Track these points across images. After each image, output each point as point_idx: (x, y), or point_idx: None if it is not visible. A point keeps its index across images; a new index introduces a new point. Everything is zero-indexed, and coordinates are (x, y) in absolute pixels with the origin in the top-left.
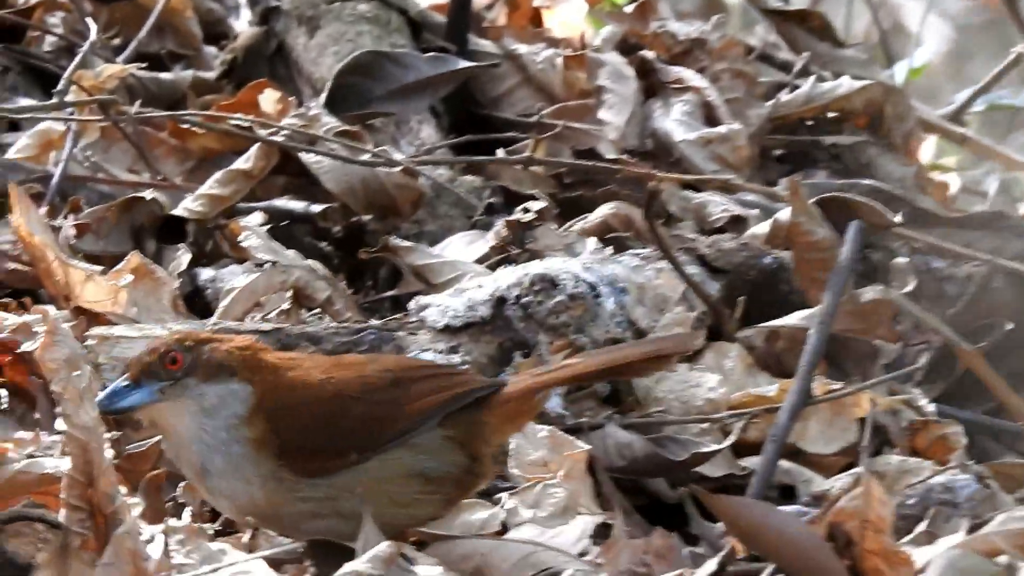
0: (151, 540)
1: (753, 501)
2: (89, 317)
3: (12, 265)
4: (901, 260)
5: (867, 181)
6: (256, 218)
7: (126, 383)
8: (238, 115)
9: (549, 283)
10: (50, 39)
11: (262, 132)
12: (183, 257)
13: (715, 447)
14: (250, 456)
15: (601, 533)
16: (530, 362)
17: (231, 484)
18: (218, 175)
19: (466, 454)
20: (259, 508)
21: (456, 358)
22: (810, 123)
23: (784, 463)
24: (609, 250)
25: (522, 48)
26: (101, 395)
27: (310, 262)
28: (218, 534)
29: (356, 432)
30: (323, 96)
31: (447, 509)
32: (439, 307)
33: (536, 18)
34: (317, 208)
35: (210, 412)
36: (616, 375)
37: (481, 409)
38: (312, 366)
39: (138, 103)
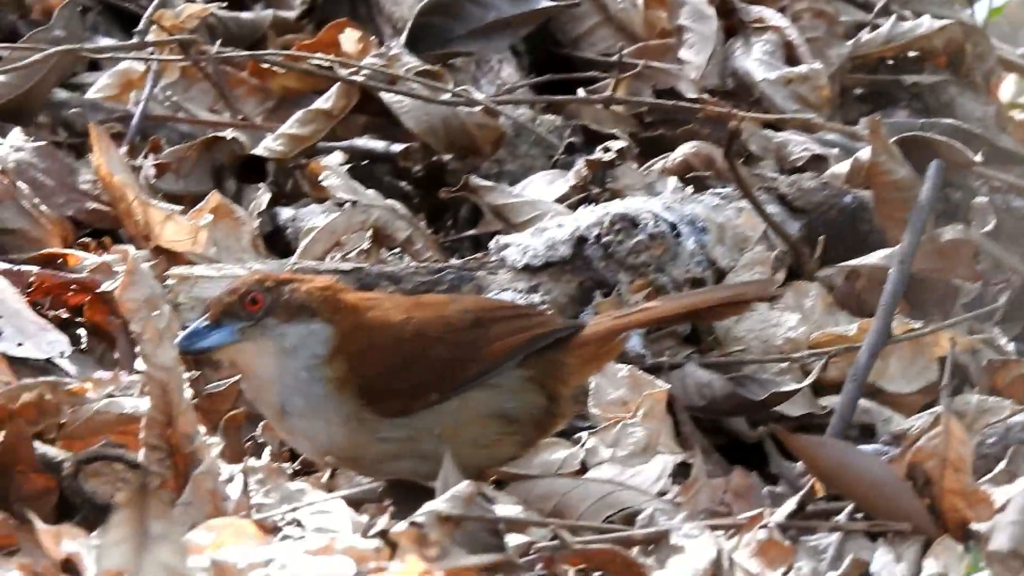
0: (230, 480)
1: (833, 440)
2: (169, 257)
3: (92, 205)
4: (981, 199)
5: (947, 120)
6: (336, 158)
7: (206, 323)
8: (319, 55)
9: (629, 222)
10: None
11: (343, 72)
12: (263, 197)
13: (795, 386)
14: (331, 397)
15: (680, 472)
16: (610, 302)
17: (311, 424)
18: (298, 115)
19: (545, 394)
20: (339, 448)
21: (536, 297)
22: (890, 62)
23: (864, 402)
24: (689, 189)
25: None
26: (181, 335)
27: (390, 202)
28: (297, 474)
29: (436, 372)
30: (403, 35)
31: (526, 449)
32: (519, 246)
33: None
34: (397, 148)
35: (290, 352)
36: (695, 318)
37: (561, 350)
38: (392, 306)
39: (218, 43)
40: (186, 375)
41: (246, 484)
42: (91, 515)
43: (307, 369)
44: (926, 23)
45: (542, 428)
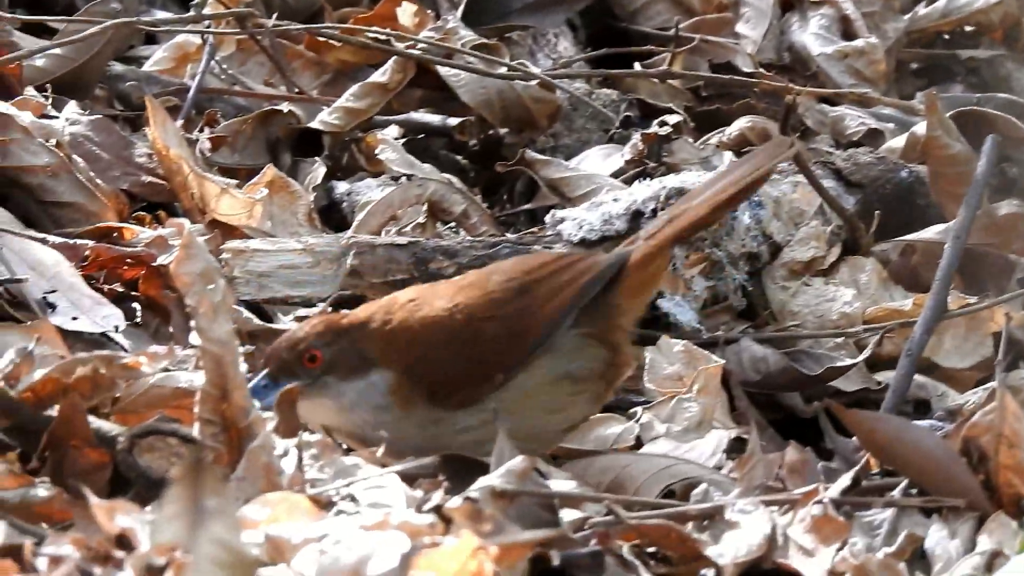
0: (284, 454)
1: (887, 416)
2: (224, 230)
3: (148, 178)
4: None
5: (1003, 95)
6: (392, 131)
7: (264, 382)
8: (375, 28)
9: None
10: None
11: (399, 45)
12: (319, 170)
13: (850, 361)
14: (401, 416)
15: (735, 448)
16: (665, 276)
17: (393, 444)
18: (354, 88)
19: (605, 347)
20: (426, 451)
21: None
22: (947, 37)
23: (919, 377)
24: None
25: None
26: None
27: (446, 175)
28: (351, 448)
29: (496, 352)
30: (460, 9)
31: (598, 405)
32: (575, 220)
33: None
34: (453, 121)
35: (350, 408)
36: (727, 208)
37: (609, 292)
38: (435, 296)
39: (275, 16)
40: (241, 349)
41: (300, 459)
42: (145, 490)
43: (371, 413)
44: None
45: (609, 381)
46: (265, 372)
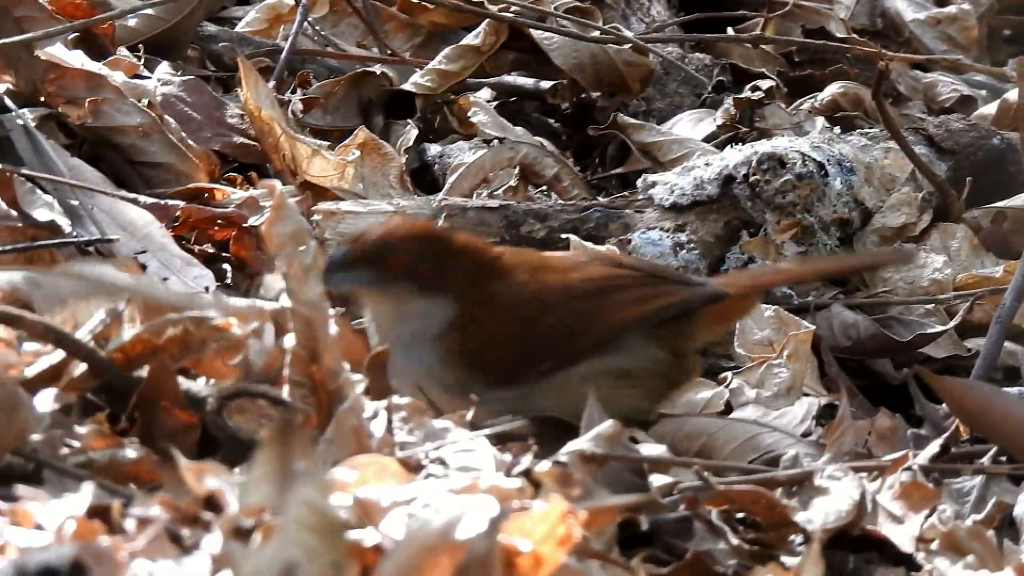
0: (374, 417)
1: (978, 383)
2: (315, 192)
3: (239, 139)
4: None
5: None
6: (485, 94)
7: (340, 259)
8: None
9: (777, 162)
10: None
11: (492, 8)
12: (410, 133)
13: (940, 328)
14: (438, 362)
15: (825, 414)
16: (756, 241)
17: (421, 381)
18: (447, 51)
19: (668, 350)
20: (443, 407)
21: (683, 236)
22: None
23: (1009, 344)
24: (837, 129)
25: None
26: (327, 273)
27: (538, 139)
28: (439, 412)
29: (549, 342)
30: None
31: (654, 402)
32: (667, 185)
33: None
34: (546, 85)
35: (408, 320)
36: (826, 278)
37: (687, 316)
38: (518, 264)
39: None
40: (331, 311)
41: (390, 421)
42: (234, 452)
43: (421, 336)
44: None
45: (670, 382)
46: (346, 251)
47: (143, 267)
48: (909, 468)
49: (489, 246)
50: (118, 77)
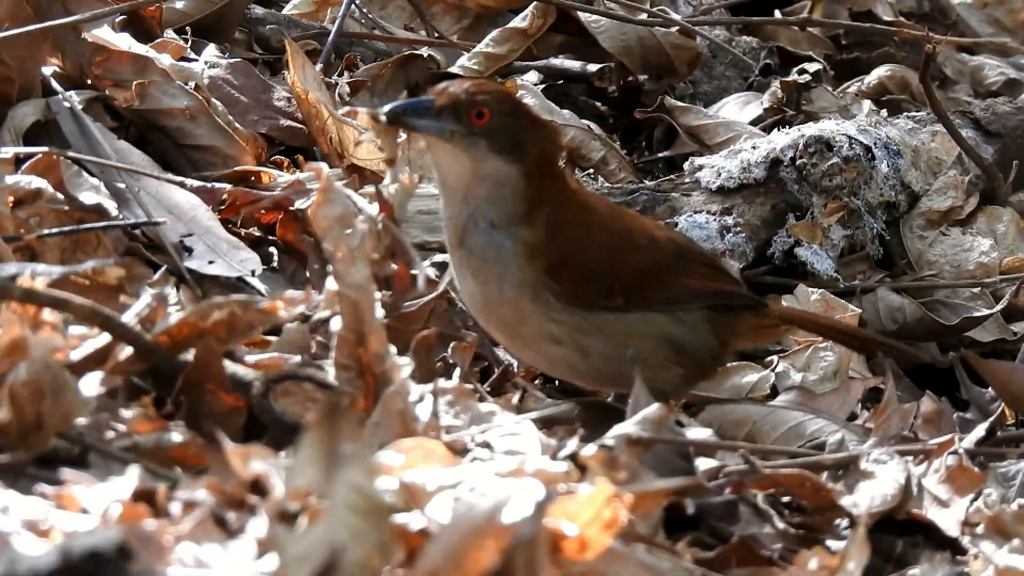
0: (420, 400)
1: (1023, 366)
2: (362, 175)
3: (286, 122)
4: None
5: None
6: (532, 77)
7: (427, 105)
8: None
9: (824, 145)
10: None
11: None
12: None
13: (986, 312)
14: (518, 258)
15: (871, 397)
16: (803, 224)
17: (486, 273)
18: (494, 33)
19: (718, 340)
20: (503, 312)
21: (729, 219)
22: None
23: None
24: (884, 112)
25: None
26: (400, 102)
27: (585, 122)
28: (487, 395)
29: (631, 279)
30: None
31: (686, 386)
32: (713, 168)
33: None
34: (593, 67)
35: (484, 179)
36: (851, 340)
37: (740, 313)
38: (600, 201)
39: None
40: (378, 295)
41: (436, 405)
42: (280, 435)
43: (494, 206)
44: None
45: (704, 369)
46: (433, 99)
47: (189, 250)
48: (955, 452)
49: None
50: (165, 60)
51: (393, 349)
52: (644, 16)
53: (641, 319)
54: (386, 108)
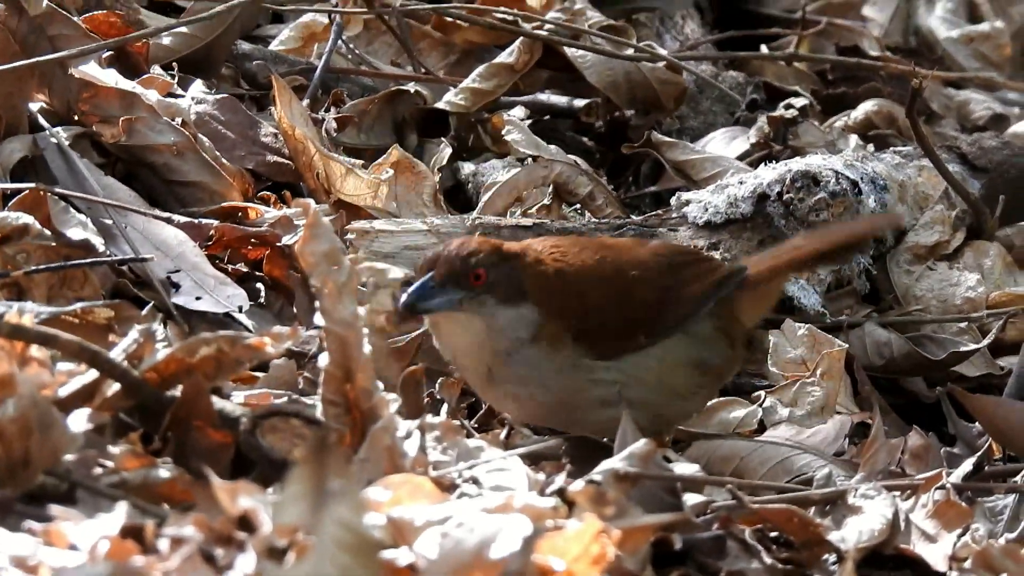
0: (408, 436)
1: (1011, 400)
2: (349, 211)
3: (273, 158)
4: None
5: None
6: (519, 112)
7: (432, 283)
8: (502, 8)
9: (811, 180)
10: None
11: (526, 26)
12: (444, 151)
13: (973, 346)
14: (545, 355)
15: (858, 432)
16: None
17: (525, 386)
18: (481, 69)
19: (729, 343)
20: (553, 400)
21: (716, 254)
22: None
23: None
24: (871, 147)
25: None
26: (409, 292)
27: (572, 157)
28: (475, 431)
29: (642, 313)
30: None
31: (705, 403)
32: (700, 203)
33: None
34: (580, 103)
35: (499, 332)
36: (843, 253)
37: (733, 296)
38: (581, 249)
39: None
40: (364, 330)
41: (423, 440)
42: (268, 471)
43: (517, 342)
44: None
45: (721, 379)
46: (431, 274)
47: (176, 286)
48: (942, 487)
49: (530, 242)
50: (152, 96)
51: (381, 385)
52: (631, 51)
53: (665, 351)
54: (401, 304)
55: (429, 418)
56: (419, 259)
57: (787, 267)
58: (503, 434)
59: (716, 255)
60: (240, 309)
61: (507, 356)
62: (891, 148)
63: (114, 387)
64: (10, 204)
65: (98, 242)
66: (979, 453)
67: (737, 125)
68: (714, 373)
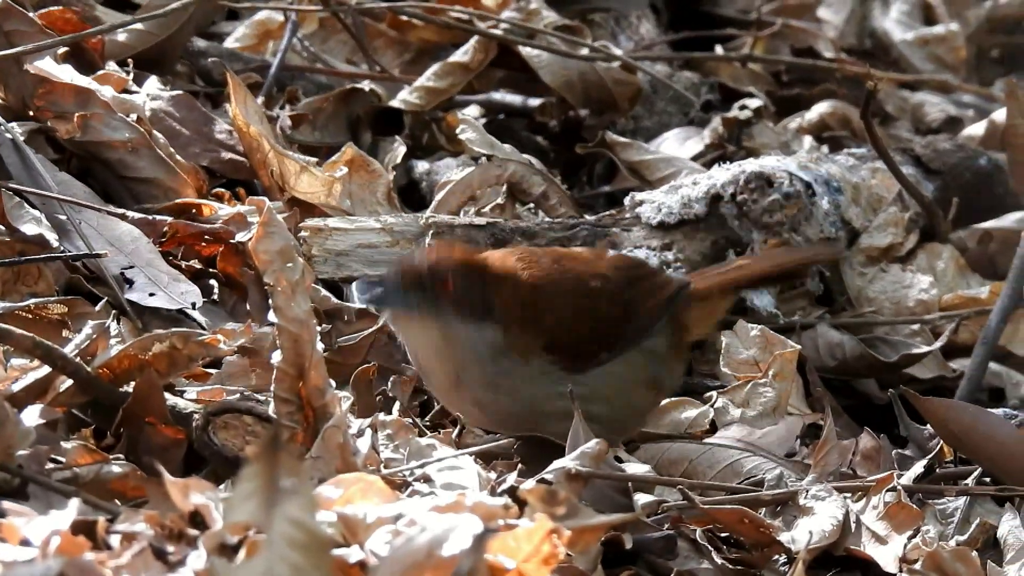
0: (360, 434)
1: (962, 403)
2: (303, 208)
3: (228, 155)
4: None
5: None
6: (473, 111)
7: (397, 286)
8: (458, 7)
9: (764, 181)
10: None
11: (481, 25)
12: (399, 149)
13: (925, 349)
14: (515, 364)
15: (810, 434)
16: None
17: (495, 391)
18: (436, 67)
19: (678, 360)
20: (519, 411)
21: (669, 255)
22: None
23: (994, 366)
24: (825, 149)
25: None
26: (372, 288)
27: (526, 156)
28: (427, 429)
29: (606, 327)
30: None
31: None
32: (654, 204)
33: None
34: (534, 102)
35: (463, 342)
36: (786, 276)
37: (684, 312)
38: (548, 260)
39: None
40: (318, 328)
41: (375, 439)
42: (220, 468)
43: (483, 355)
44: None
45: (665, 395)
46: (397, 275)
47: (130, 282)
48: (893, 488)
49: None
50: (107, 92)
51: (333, 383)
52: (585, 51)
53: (625, 367)
54: (360, 298)
55: (381, 416)
56: (373, 257)
57: (732, 284)
58: (455, 433)
59: (669, 255)
60: (193, 306)
61: (477, 363)
62: (845, 150)
63: (67, 383)
64: None
65: (52, 238)
66: (930, 455)
67: (691, 126)
68: (665, 388)
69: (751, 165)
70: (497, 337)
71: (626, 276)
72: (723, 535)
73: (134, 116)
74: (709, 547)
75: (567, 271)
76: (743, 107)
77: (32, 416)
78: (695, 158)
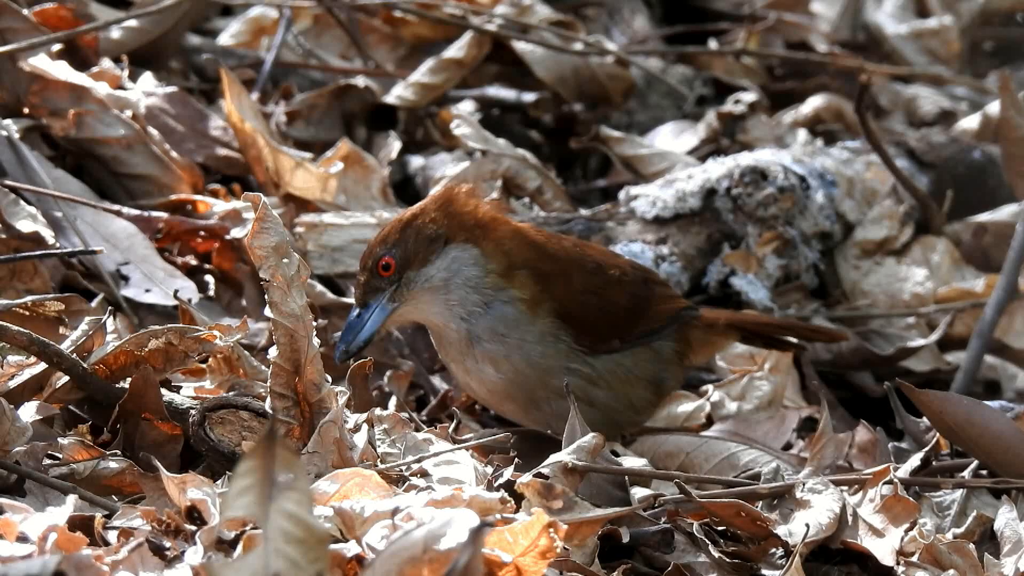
0: (356, 429)
1: (958, 396)
2: (298, 204)
3: (223, 151)
4: None
5: None
6: (467, 106)
7: (356, 313)
8: (451, 3)
9: (759, 175)
10: None
11: (475, 20)
12: (393, 145)
13: (921, 341)
14: (525, 316)
15: (806, 427)
16: (738, 254)
17: (505, 344)
18: (430, 63)
19: (680, 369)
20: (527, 371)
21: (665, 249)
22: (1021, 17)
23: (989, 358)
24: (819, 142)
25: None
26: (340, 344)
27: (520, 151)
28: (423, 424)
29: (618, 315)
30: None
31: (646, 421)
32: (649, 197)
33: None
34: (528, 97)
35: (451, 288)
36: (782, 335)
37: (691, 330)
38: (560, 238)
39: None
40: (314, 323)
41: (372, 433)
42: (216, 463)
43: (478, 291)
44: None
45: (663, 401)
46: (353, 305)
47: (125, 279)
48: (890, 481)
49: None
50: (102, 89)
51: (329, 378)
52: (579, 46)
53: (634, 361)
54: (337, 356)
55: (377, 411)
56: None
57: (740, 325)
58: (451, 427)
59: (664, 249)
60: (190, 301)
61: (485, 307)
62: (839, 143)
63: (63, 379)
64: None
65: (48, 234)
66: (926, 448)
67: (685, 119)
68: (664, 393)
69: (745, 159)
70: (474, 262)
71: (643, 276)
72: (720, 528)
73: (129, 113)
74: (706, 540)
75: (587, 254)
76: (737, 101)
77: (29, 412)
78: (689, 152)
